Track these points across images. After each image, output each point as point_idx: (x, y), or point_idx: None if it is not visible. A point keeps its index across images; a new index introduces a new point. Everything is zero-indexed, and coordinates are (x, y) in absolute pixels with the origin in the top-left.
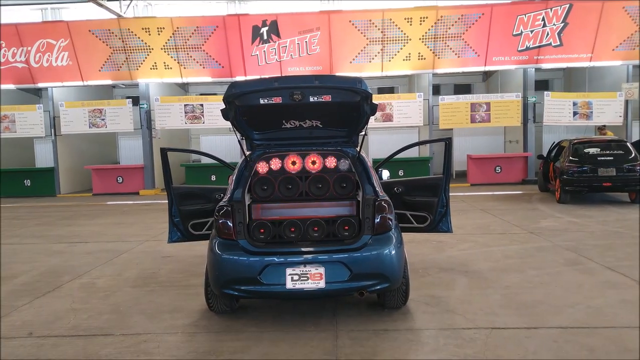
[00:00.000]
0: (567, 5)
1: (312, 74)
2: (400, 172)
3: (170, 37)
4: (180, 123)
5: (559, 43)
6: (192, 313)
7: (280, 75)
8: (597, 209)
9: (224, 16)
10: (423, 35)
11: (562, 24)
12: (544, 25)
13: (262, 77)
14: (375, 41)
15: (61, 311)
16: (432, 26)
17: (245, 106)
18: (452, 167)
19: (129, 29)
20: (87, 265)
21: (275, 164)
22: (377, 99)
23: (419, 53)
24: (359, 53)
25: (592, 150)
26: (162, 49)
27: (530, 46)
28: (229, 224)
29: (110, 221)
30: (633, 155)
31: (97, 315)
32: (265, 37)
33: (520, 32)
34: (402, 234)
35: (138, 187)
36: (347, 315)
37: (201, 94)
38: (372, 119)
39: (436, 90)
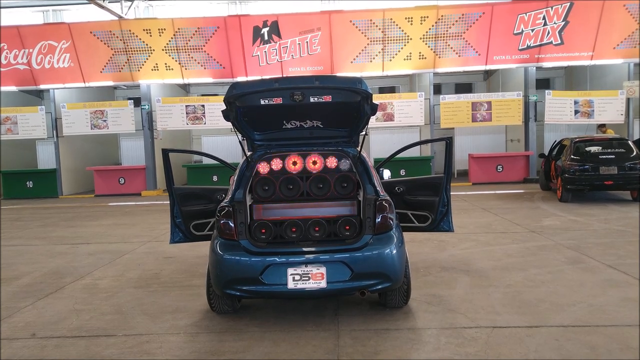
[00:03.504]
0: (568, 4)
1: (313, 75)
2: (402, 172)
3: (172, 38)
4: (182, 124)
5: (560, 41)
6: (194, 313)
7: (281, 75)
8: (599, 207)
9: (225, 17)
10: (424, 35)
11: (563, 23)
12: (545, 24)
13: (263, 77)
14: (376, 41)
15: (64, 312)
16: (432, 25)
17: (246, 107)
18: (453, 166)
19: (130, 30)
20: (90, 266)
21: (276, 164)
22: (378, 98)
23: (420, 52)
24: (359, 53)
25: (593, 149)
26: (163, 50)
27: (531, 45)
28: (231, 224)
29: (112, 222)
30: (634, 153)
31: (99, 316)
32: (266, 37)
33: (521, 30)
34: (403, 233)
35: (140, 188)
36: (349, 315)
37: (202, 95)
38: (373, 118)
39: (437, 89)
